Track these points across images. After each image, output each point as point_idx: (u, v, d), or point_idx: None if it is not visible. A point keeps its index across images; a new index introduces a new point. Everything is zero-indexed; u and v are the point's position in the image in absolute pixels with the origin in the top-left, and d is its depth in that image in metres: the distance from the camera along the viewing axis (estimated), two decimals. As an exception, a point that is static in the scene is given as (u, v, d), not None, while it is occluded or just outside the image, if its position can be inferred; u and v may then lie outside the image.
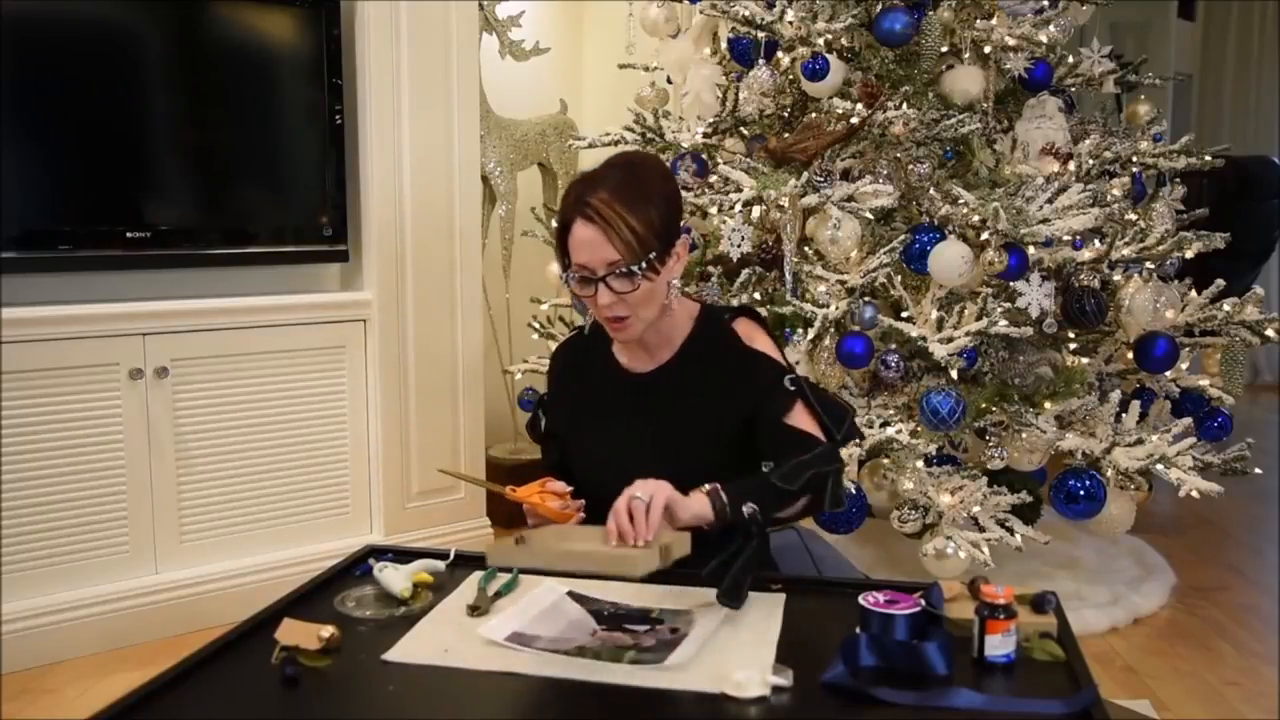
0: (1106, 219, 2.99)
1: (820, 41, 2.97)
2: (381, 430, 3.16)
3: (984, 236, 2.70)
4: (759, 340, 1.71)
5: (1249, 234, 5.12)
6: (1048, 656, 1.30)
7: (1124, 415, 2.87)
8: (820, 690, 1.20)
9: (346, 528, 3.14)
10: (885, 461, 2.78)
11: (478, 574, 1.56)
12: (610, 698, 1.20)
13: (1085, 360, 3.05)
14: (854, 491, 2.74)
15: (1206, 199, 3.82)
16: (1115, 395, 2.90)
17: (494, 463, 3.77)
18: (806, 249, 2.94)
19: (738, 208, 2.82)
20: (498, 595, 1.49)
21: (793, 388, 1.64)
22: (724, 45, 3.40)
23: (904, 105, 2.96)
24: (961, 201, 2.74)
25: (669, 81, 3.60)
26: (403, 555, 1.64)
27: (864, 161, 3.01)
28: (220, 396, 2.90)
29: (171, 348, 2.80)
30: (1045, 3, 3.15)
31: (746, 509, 1.47)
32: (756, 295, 2.98)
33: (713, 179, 3.06)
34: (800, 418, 1.64)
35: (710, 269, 3.04)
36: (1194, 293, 3.16)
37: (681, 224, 1.67)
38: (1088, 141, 3.15)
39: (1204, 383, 3.22)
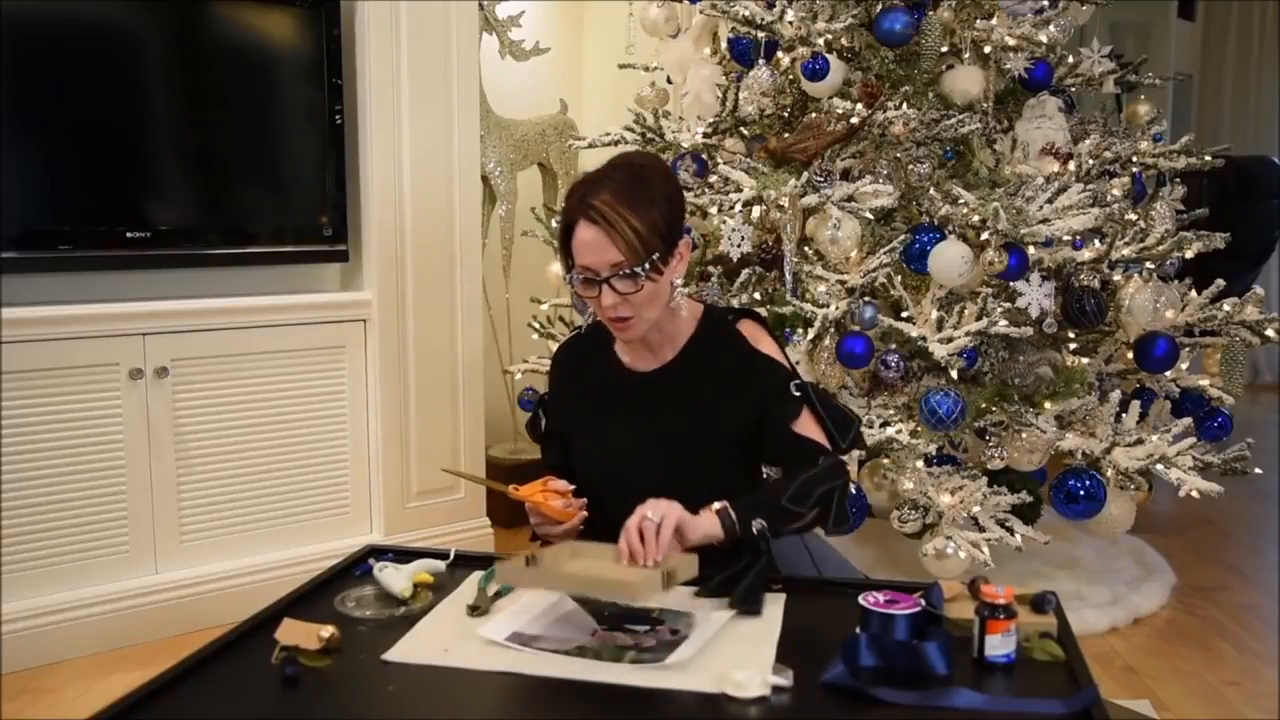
0: (1106, 219, 2.99)
1: (820, 41, 2.97)
2: (381, 430, 3.16)
3: (984, 236, 2.70)
4: (765, 343, 1.71)
5: (1249, 234, 5.12)
6: (1048, 656, 1.30)
7: (1124, 415, 2.87)
8: (820, 690, 1.20)
9: (346, 528, 3.14)
10: (885, 461, 2.79)
11: (478, 574, 1.57)
12: (610, 698, 1.20)
13: (1085, 360, 3.05)
14: (854, 492, 2.74)
15: (1206, 199, 3.82)
16: (1115, 395, 2.90)
17: (494, 463, 3.78)
18: (806, 249, 2.94)
19: (738, 208, 2.82)
20: (498, 595, 1.49)
21: (799, 394, 1.65)
22: (724, 45, 3.39)
23: (904, 105, 2.96)
24: (961, 201, 2.73)
25: (669, 81, 3.60)
26: (403, 555, 1.65)
27: (864, 161, 3.01)
28: (220, 396, 2.90)
29: (171, 348, 2.80)
30: (1045, 3, 3.14)
31: (755, 525, 1.49)
32: (756, 295, 2.97)
33: (713, 179, 3.06)
34: (807, 425, 1.65)
35: (710, 269, 3.04)
36: (1194, 293, 3.15)
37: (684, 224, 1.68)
38: (1088, 141, 3.15)
39: (1204, 383, 3.21)
